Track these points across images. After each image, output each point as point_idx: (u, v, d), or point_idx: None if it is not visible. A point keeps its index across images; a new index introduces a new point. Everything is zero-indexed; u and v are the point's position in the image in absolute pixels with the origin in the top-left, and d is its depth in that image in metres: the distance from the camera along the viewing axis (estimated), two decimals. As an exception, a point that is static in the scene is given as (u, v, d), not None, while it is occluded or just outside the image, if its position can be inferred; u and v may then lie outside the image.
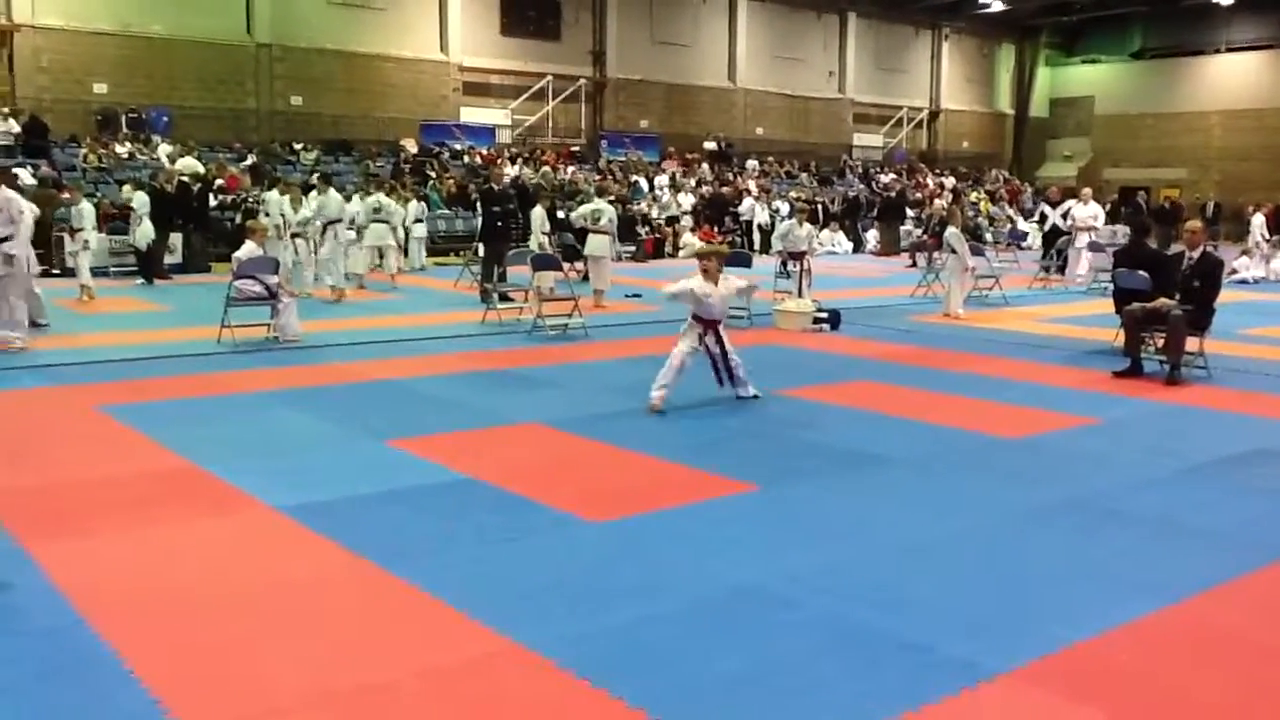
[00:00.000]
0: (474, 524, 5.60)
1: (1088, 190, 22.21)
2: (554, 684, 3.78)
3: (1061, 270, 19.83)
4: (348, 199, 17.48)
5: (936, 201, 27.48)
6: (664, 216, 27.12)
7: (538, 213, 16.53)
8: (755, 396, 8.66)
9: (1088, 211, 19.69)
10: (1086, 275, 18.79)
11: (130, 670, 3.82)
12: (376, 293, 16.68)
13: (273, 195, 17.64)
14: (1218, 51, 40.47)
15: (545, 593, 4.65)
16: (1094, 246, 18.40)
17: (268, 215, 17.01)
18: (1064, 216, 20.03)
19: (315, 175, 18.10)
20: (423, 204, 22.52)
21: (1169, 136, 40.80)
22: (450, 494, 6.14)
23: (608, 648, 4.07)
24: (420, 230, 21.69)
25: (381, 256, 18.21)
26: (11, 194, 11.11)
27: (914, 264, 22.46)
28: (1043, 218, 21.59)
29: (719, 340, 8.49)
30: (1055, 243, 20.24)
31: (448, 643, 4.13)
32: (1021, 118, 44.84)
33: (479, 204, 17.20)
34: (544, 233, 16.24)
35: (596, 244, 15.32)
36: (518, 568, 4.97)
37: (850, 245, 28.54)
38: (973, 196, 35.40)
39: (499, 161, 26.29)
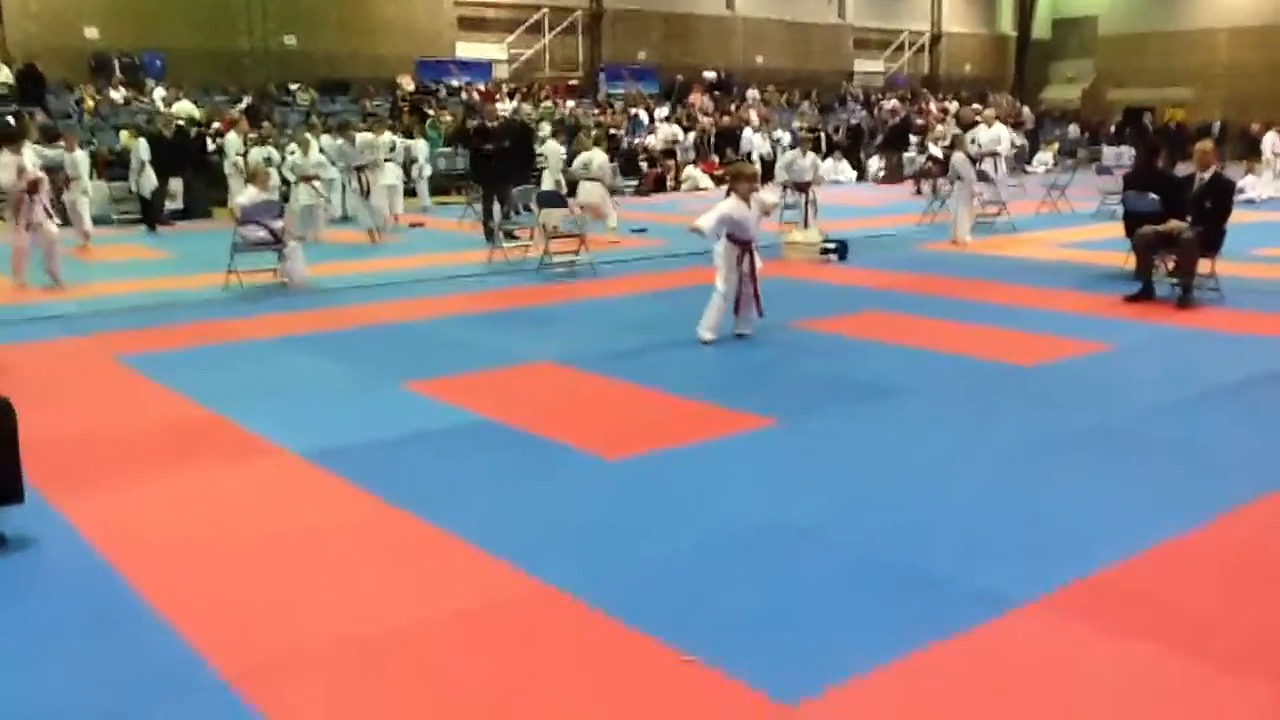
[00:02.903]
0: (494, 465, 5.63)
1: (990, 112, 21.57)
2: (584, 623, 3.82)
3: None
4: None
5: (939, 126, 27.15)
6: (661, 150, 26.91)
7: (554, 149, 16.42)
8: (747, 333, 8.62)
9: (988, 136, 18.58)
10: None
11: (165, 620, 3.86)
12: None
13: (230, 138, 18.15)
14: (1223, -33, 39.82)
15: (570, 532, 4.69)
16: (983, 175, 16.50)
17: (225, 157, 17.56)
18: (973, 142, 18.47)
19: (313, 118, 18.01)
20: (427, 143, 22.34)
21: (1174, 55, 40.21)
22: (468, 435, 6.17)
23: (636, 586, 4.11)
24: (426, 169, 21.56)
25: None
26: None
27: (919, 191, 22.28)
28: (952, 143, 20.58)
29: (752, 261, 8.45)
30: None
31: (475, 584, 4.17)
32: (1024, 40, 44.17)
33: (469, 142, 17.06)
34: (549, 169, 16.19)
35: (588, 191, 15.18)
36: (540, 507, 5.00)
37: (854, 174, 28.33)
38: (999, 122, 34.97)
39: (496, 97, 26.06)
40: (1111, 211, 15.56)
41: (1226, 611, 3.88)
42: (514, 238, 13.67)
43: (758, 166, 25.66)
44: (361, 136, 16.30)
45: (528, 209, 14.24)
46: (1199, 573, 4.22)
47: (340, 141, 16.43)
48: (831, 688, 3.33)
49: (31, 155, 11.93)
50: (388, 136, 18.23)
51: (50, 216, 11.48)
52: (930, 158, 22.53)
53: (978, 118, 21.10)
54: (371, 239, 15.49)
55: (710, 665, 3.47)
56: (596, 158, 15.31)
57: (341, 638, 3.74)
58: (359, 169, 15.96)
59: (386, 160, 17.70)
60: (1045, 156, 31.74)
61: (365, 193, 15.89)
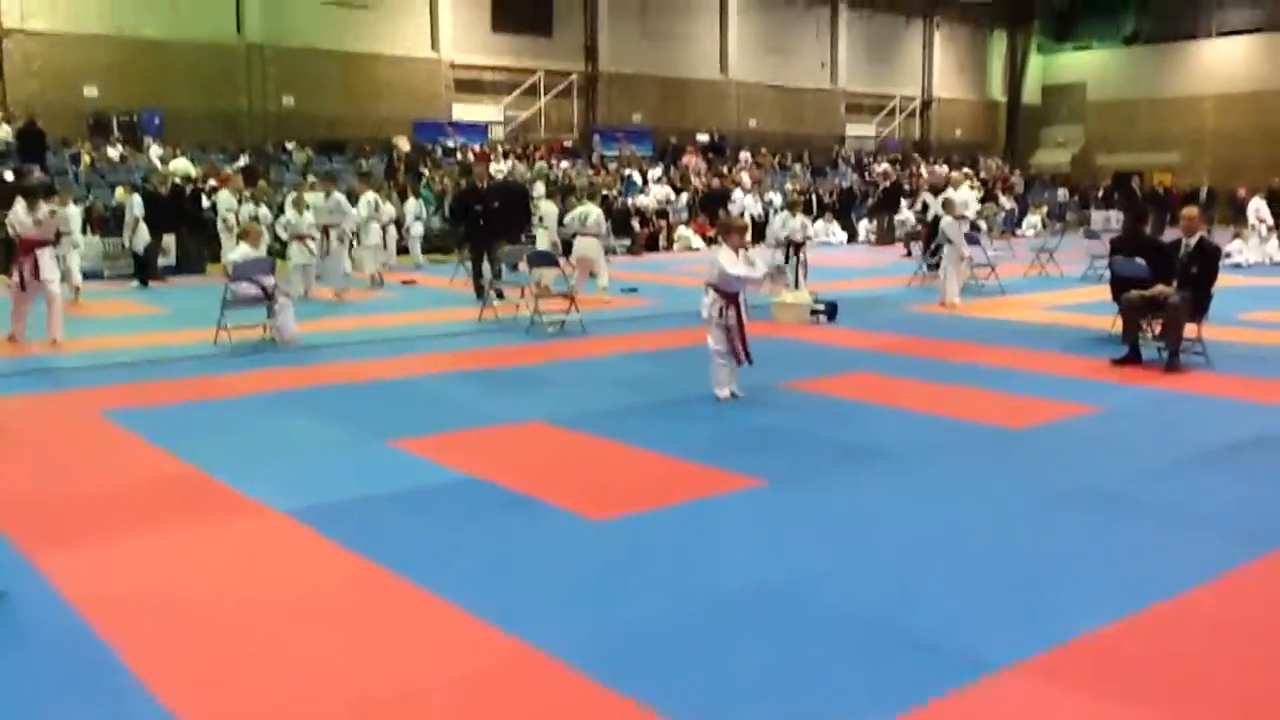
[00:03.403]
0: (481, 525, 5.61)
1: (957, 175, 21.64)
2: (568, 686, 3.78)
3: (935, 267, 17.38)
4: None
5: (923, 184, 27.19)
6: (654, 210, 27.11)
7: (549, 209, 16.54)
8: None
9: (958, 198, 17.69)
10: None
11: (142, 682, 3.81)
12: (369, 291, 16.67)
13: (222, 195, 18.36)
14: (1210, 36, 40.51)
15: (557, 593, 4.65)
16: (972, 239, 16.54)
17: (215, 214, 17.66)
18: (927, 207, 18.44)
19: (309, 178, 18.15)
20: (420, 202, 22.50)
21: (1162, 122, 40.81)
22: (456, 494, 6.14)
23: (621, 648, 4.08)
24: (418, 228, 21.70)
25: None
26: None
27: (909, 253, 22.43)
28: (924, 207, 20.07)
29: (738, 314, 8.48)
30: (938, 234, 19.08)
31: (465, 649, 4.13)
32: (1014, 106, 44.81)
33: (459, 202, 17.12)
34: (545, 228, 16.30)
35: (584, 246, 15.27)
36: (527, 568, 4.97)
37: (845, 235, 28.53)
38: (967, 185, 35.36)
39: (490, 158, 26.29)
40: (1099, 275, 15.66)
41: (1214, 676, 3.85)
42: (501, 296, 13.71)
43: (748, 222, 25.96)
44: (332, 197, 16.12)
45: (514, 269, 14.30)
46: (1187, 637, 4.19)
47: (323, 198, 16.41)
48: (813, 753, 3.29)
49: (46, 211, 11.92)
50: (370, 196, 18.33)
51: (42, 277, 11.42)
52: (919, 220, 22.61)
53: (947, 182, 21.14)
54: (336, 298, 15.43)
55: (691, 730, 3.43)
56: (592, 213, 15.44)
57: (322, 704, 3.69)
58: (325, 229, 15.77)
59: (369, 220, 17.85)
60: (1034, 220, 32.05)
61: (324, 253, 15.78)
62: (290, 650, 4.11)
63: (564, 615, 4.40)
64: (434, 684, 3.83)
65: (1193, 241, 9.92)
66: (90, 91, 24.91)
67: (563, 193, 22.72)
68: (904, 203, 28.21)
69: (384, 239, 19.83)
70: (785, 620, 4.32)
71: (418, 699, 3.72)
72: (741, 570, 4.87)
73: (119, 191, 20.11)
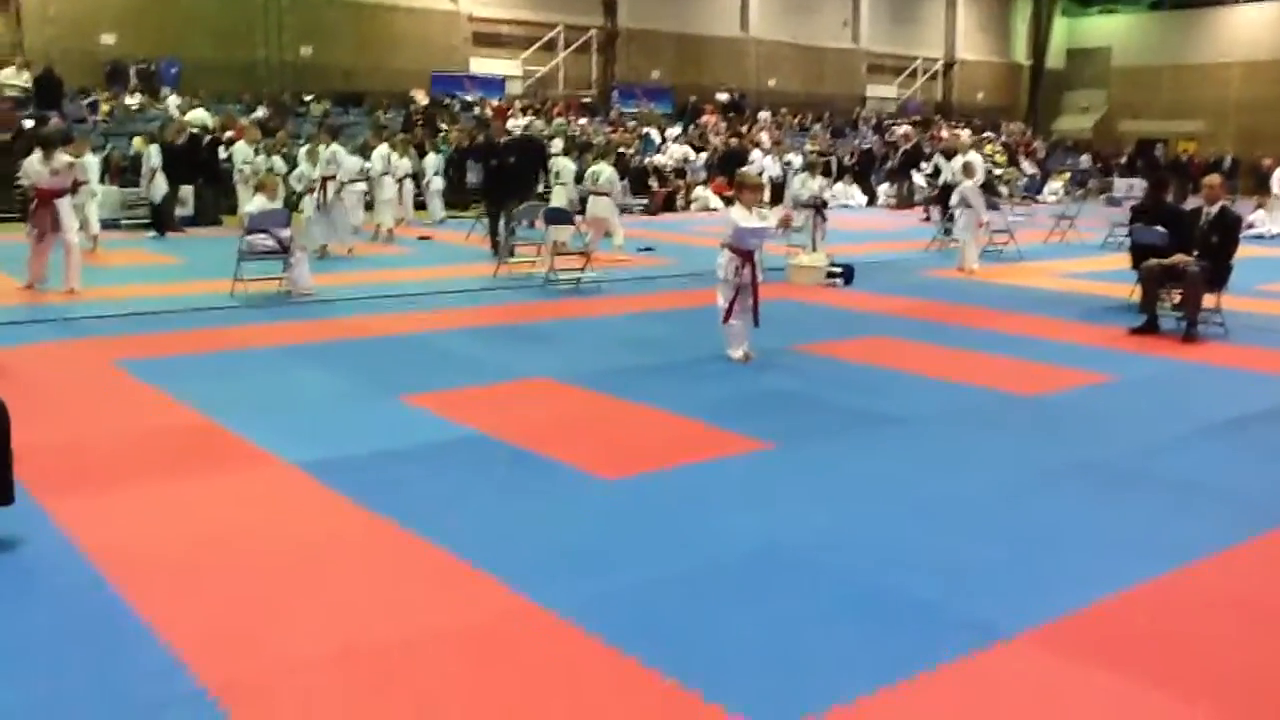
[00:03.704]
0: (488, 480, 5.62)
1: (965, 139, 21.27)
2: (569, 644, 3.80)
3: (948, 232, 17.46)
4: (356, 152, 17.38)
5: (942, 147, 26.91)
6: (672, 169, 26.97)
7: (566, 165, 16.44)
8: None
9: (958, 164, 17.41)
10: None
11: (150, 628, 3.84)
12: (382, 246, 16.65)
13: (238, 146, 18.28)
14: (1237, 2, 39.88)
15: (560, 551, 4.67)
16: (992, 204, 16.31)
17: (228, 165, 17.56)
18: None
19: (321, 128, 17.99)
20: (440, 157, 22.39)
21: (1187, 89, 40.28)
22: (464, 450, 6.15)
23: (622, 607, 4.09)
24: (438, 183, 21.61)
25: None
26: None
27: (928, 217, 22.24)
28: (936, 171, 19.85)
29: (753, 271, 8.46)
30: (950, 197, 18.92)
31: (463, 600, 4.15)
32: (1038, 69, 44.24)
33: (472, 156, 16.98)
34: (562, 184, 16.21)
35: (597, 205, 15.18)
36: (532, 525, 4.98)
37: (864, 199, 28.33)
38: (988, 149, 35.08)
39: (508, 113, 26.14)
40: (1120, 243, 15.51)
41: (1219, 649, 3.84)
42: (512, 254, 13.65)
43: (765, 183, 25.77)
44: (330, 148, 15.65)
45: (530, 225, 14.24)
46: (1193, 609, 4.18)
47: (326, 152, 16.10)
48: (812, 717, 3.30)
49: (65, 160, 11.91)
50: (383, 149, 18.23)
51: (61, 228, 11.43)
52: (930, 184, 22.38)
53: (940, 146, 20.82)
54: (347, 252, 15.18)
55: (690, 689, 3.44)
56: (604, 171, 15.30)
57: (327, 652, 3.72)
58: (324, 180, 15.24)
59: (383, 174, 17.77)
60: (1056, 186, 31.75)
61: (320, 204, 15.34)
62: (293, 599, 4.14)
63: (567, 572, 4.41)
64: (428, 634, 3.85)
65: (1214, 210, 9.82)
66: (108, 39, 24.83)
67: (580, 150, 22.62)
68: (922, 166, 27.99)
69: (400, 193, 19.79)
70: (790, 583, 4.33)
71: (409, 649, 3.74)
72: (747, 532, 4.88)
73: (137, 141, 20.08)
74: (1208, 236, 9.75)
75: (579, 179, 16.87)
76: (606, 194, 15.18)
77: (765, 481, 5.67)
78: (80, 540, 4.65)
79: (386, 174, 17.94)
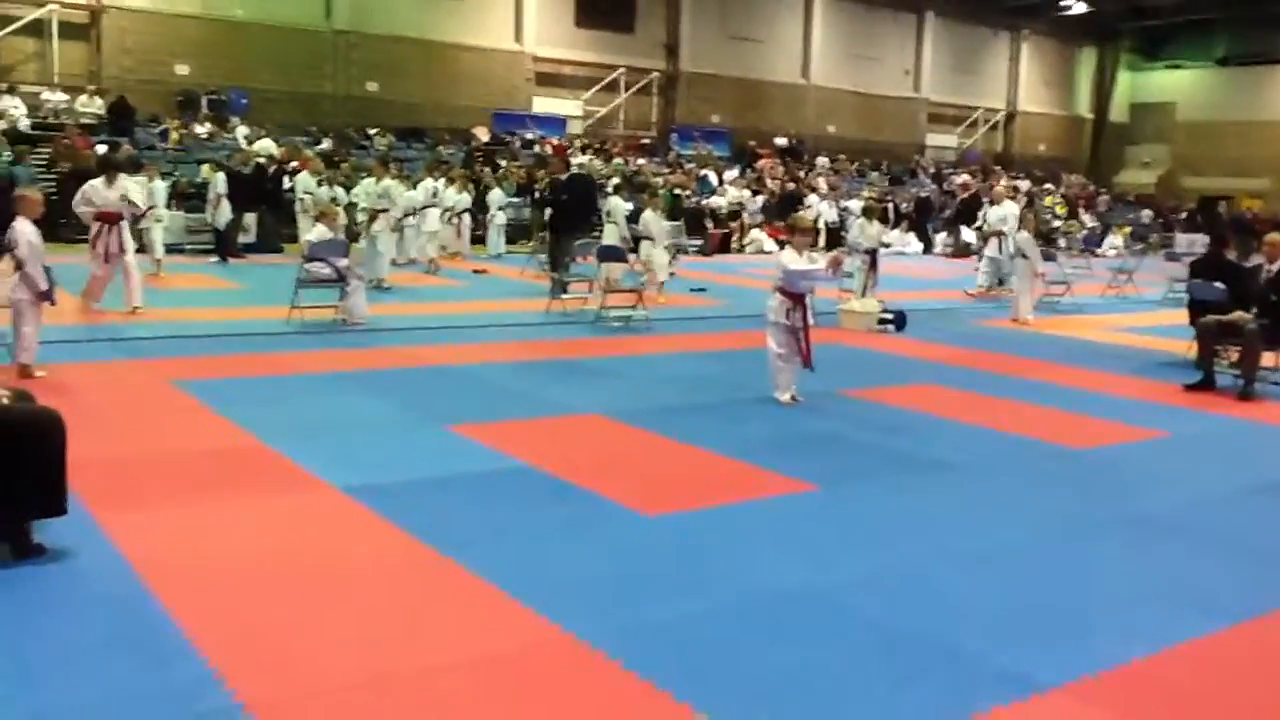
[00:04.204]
0: (531, 512, 5.65)
1: (1000, 189, 21.11)
2: (602, 675, 3.80)
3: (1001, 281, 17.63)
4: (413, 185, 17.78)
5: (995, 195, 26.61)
6: (728, 212, 27.07)
7: (617, 204, 16.58)
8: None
9: (997, 215, 17.93)
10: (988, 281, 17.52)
11: (190, 641, 3.91)
12: (425, 277, 16.86)
13: (302, 177, 18.69)
14: (1305, 59, 39.47)
15: (598, 584, 4.68)
16: (1048, 255, 16.29)
17: (291, 194, 17.89)
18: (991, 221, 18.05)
19: (377, 161, 18.35)
20: (503, 193, 22.71)
21: (1252, 145, 39.77)
22: (508, 481, 6.19)
23: (657, 641, 4.09)
24: (501, 218, 21.96)
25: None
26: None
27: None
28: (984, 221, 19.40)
29: (804, 315, 8.47)
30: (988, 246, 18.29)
31: (500, 630, 4.17)
32: (1100, 122, 44.02)
33: (547, 194, 17.16)
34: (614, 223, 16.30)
35: (644, 249, 15.22)
36: (572, 557, 5.00)
37: (920, 246, 28.24)
38: (1047, 201, 34.84)
39: (567, 152, 26.44)
40: (1178, 298, 15.33)
41: (1259, 712, 3.76)
42: (565, 290, 13.73)
43: (823, 234, 25.76)
44: (382, 182, 15.89)
45: (574, 260, 14.29)
46: (1236, 670, 4.10)
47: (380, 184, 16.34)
48: (843, 759, 3.28)
49: (127, 185, 12.25)
50: (429, 183, 18.59)
51: (123, 250, 11.73)
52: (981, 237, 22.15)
53: (989, 196, 20.67)
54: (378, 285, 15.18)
55: (722, 727, 3.43)
56: (649, 218, 15.34)
57: (362, 674, 3.75)
58: (373, 214, 15.37)
59: (429, 207, 18.09)
60: (1116, 240, 31.41)
61: (360, 235, 15.61)
62: (331, 620, 4.19)
63: (602, 605, 4.42)
64: (462, 661, 3.88)
65: (1274, 268, 9.68)
66: (181, 70, 25.53)
67: (635, 189, 22.80)
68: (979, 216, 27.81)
69: (458, 228, 20.11)
70: (824, 625, 4.30)
71: (442, 675, 3.77)
72: (785, 573, 4.86)
73: (204, 168, 20.56)
74: (1267, 294, 9.60)
75: (634, 219, 16.98)
76: (648, 237, 15.14)
77: (805, 523, 5.65)
78: (129, 553, 4.75)
79: (431, 206, 18.26)
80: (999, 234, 17.59)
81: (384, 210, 15.46)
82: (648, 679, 3.74)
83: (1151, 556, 5.33)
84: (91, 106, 23.23)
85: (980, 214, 19.76)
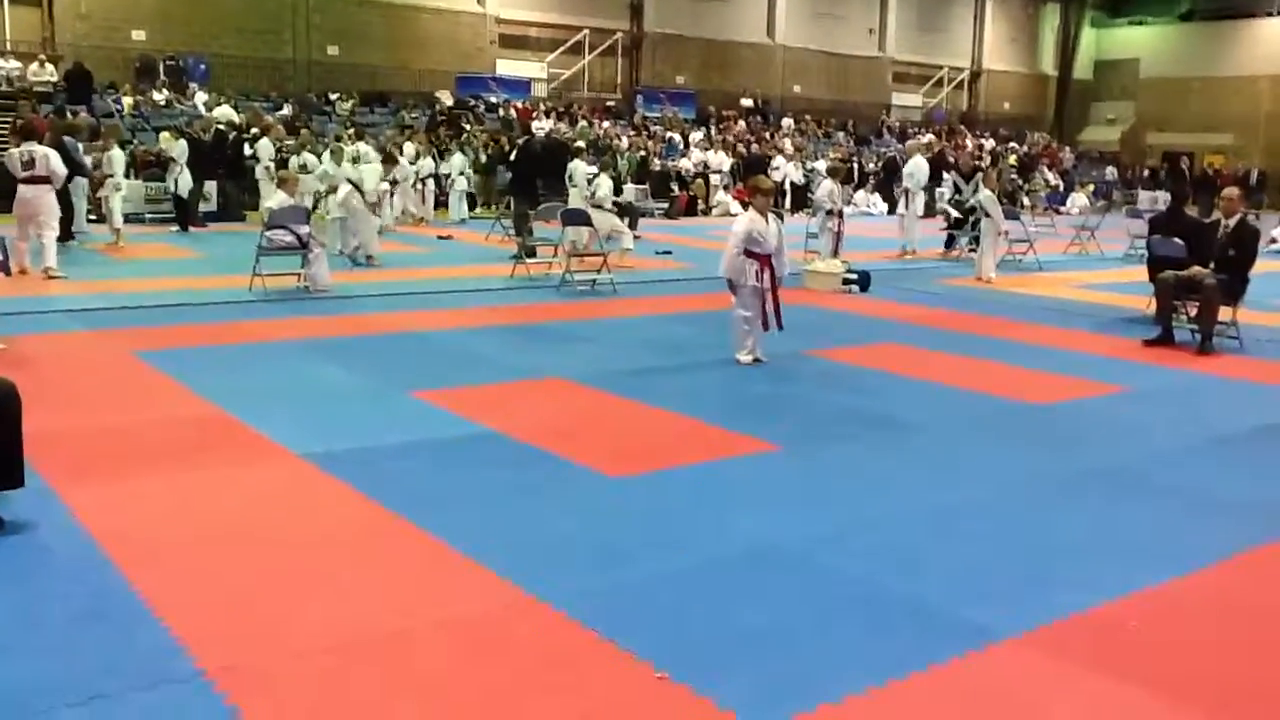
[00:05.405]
0: (495, 476, 5.66)
1: (913, 143, 21.14)
2: (567, 636, 3.83)
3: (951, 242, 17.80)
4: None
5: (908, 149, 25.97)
6: (694, 174, 27.01)
7: (579, 168, 16.47)
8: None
9: (906, 170, 18.09)
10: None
11: (153, 612, 3.90)
12: (404, 245, 16.76)
13: (263, 143, 18.51)
14: (1269, 14, 39.61)
15: (563, 546, 4.70)
16: (1011, 214, 16.04)
17: (256, 160, 17.71)
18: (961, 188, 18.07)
19: (350, 129, 18.20)
20: (465, 158, 22.54)
21: (1216, 101, 40.02)
22: (473, 446, 6.20)
23: (622, 602, 4.12)
24: (462, 184, 21.77)
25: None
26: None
27: (949, 226, 22.13)
28: (957, 189, 19.28)
29: (773, 274, 8.48)
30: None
31: (465, 593, 4.20)
32: (1065, 80, 44.10)
33: (514, 159, 17.06)
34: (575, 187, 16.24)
35: (598, 219, 15.03)
36: (536, 520, 5.02)
37: (885, 207, 28.28)
38: (1010, 160, 34.96)
39: (532, 115, 26.27)
40: (1140, 255, 15.46)
41: (1217, 658, 3.84)
42: (533, 254, 13.68)
43: (788, 195, 25.73)
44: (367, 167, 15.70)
45: (533, 225, 14.18)
46: (1192, 617, 4.18)
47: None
48: (801, 714, 3.33)
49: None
50: (410, 148, 18.54)
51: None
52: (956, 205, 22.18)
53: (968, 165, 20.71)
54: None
55: (681, 683, 3.47)
56: (602, 184, 15.20)
57: (328, 639, 3.76)
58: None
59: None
60: (1079, 197, 31.63)
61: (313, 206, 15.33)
62: (297, 587, 4.19)
63: (567, 567, 4.45)
64: (428, 625, 3.90)
65: (1232, 223, 9.78)
66: (138, 35, 25.11)
67: (599, 153, 22.71)
68: (945, 178, 27.87)
69: (421, 194, 20.00)
70: (787, 583, 4.35)
71: (409, 639, 3.78)
72: (748, 532, 4.90)
73: (163, 136, 20.30)
74: (1225, 249, 9.71)
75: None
76: (603, 207, 14.92)
77: (769, 482, 5.70)
78: (90, 525, 4.72)
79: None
80: (905, 191, 17.68)
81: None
82: (609, 639, 3.78)
83: (1112, 508, 5.42)
84: (44, 74, 22.81)
85: (950, 181, 19.77)
